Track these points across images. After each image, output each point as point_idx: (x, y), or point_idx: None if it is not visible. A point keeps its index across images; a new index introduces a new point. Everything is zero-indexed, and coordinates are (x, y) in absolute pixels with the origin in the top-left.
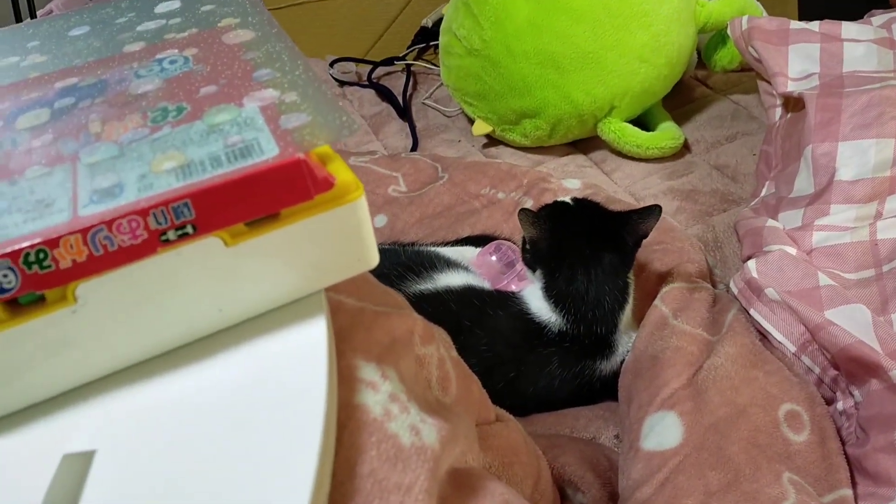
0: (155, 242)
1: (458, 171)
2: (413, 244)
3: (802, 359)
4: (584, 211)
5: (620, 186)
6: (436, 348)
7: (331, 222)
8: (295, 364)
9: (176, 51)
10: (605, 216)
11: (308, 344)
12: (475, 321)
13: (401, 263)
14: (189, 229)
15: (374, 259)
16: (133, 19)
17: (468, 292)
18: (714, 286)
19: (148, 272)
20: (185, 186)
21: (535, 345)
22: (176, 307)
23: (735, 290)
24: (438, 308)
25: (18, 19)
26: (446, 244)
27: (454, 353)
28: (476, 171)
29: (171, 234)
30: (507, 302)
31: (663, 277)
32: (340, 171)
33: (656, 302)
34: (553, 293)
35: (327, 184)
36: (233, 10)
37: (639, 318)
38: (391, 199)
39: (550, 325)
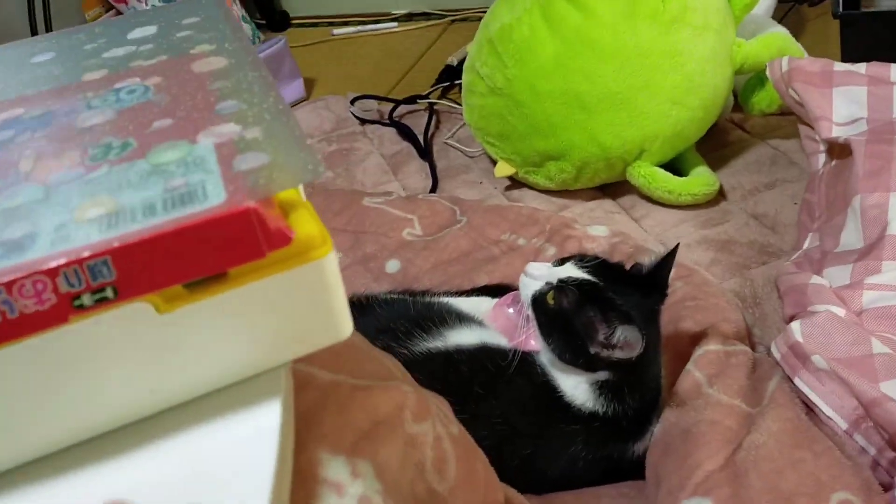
0: (66, 309)
1: (477, 215)
2: (426, 292)
3: (855, 437)
4: (610, 278)
5: (650, 234)
6: (432, 425)
7: (289, 284)
8: (235, 464)
9: (138, 79)
10: (634, 281)
11: (254, 437)
12: (488, 387)
13: (408, 317)
14: (109, 293)
15: (347, 328)
16: (102, 45)
17: (482, 353)
18: (753, 348)
19: (58, 345)
20: (106, 240)
21: (556, 419)
22: (94, 388)
23: (777, 356)
24: (447, 370)
25: (34, 34)
26: (461, 294)
27: (455, 427)
28: (496, 214)
29: (87, 299)
30: (527, 367)
31: (697, 338)
32: (304, 223)
33: (689, 366)
34: (596, 382)
35: (283, 238)
36: (209, 37)
37: (669, 383)
38: (405, 243)
39: (579, 402)
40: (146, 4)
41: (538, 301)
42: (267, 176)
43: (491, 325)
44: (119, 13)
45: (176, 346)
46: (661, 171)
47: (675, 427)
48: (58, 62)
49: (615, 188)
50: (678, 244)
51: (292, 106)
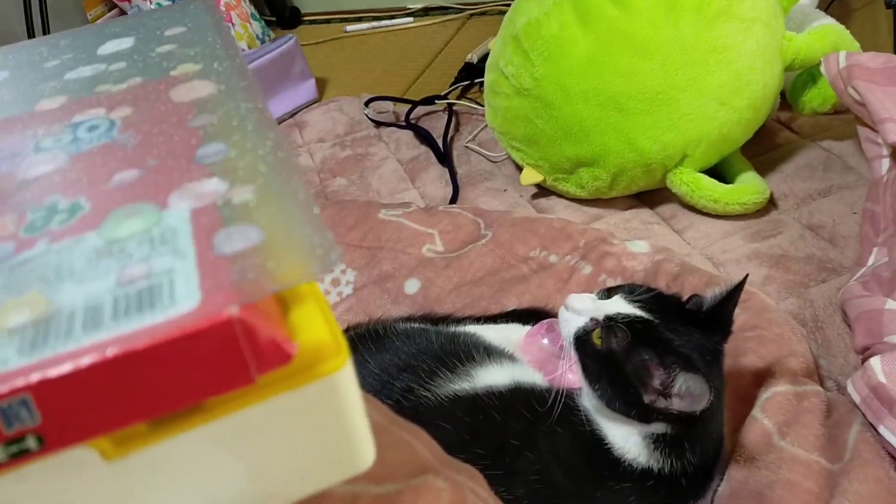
0: None
1: (504, 229)
2: (449, 318)
3: None
4: (666, 314)
5: (695, 248)
6: None
7: (292, 408)
8: None
9: (103, 110)
10: (693, 318)
11: None
12: (524, 438)
13: (431, 353)
14: (30, 443)
15: (368, 457)
16: (66, 63)
17: (516, 396)
18: (821, 383)
19: None
20: (28, 367)
21: (604, 477)
22: None
23: (856, 398)
24: (477, 417)
25: (31, 36)
26: (488, 319)
27: None
28: (524, 228)
29: (0, 453)
30: (569, 414)
31: (761, 377)
32: (310, 324)
33: (755, 412)
34: (651, 435)
35: (280, 355)
36: (196, 53)
37: (731, 428)
38: (426, 261)
39: (630, 456)
40: (151, 4)
41: (582, 341)
42: (259, 265)
43: (523, 357)
44: (123, 13)
45: (132, 498)
46: (706, 177)
47: (745, 488)
48: (10, 84)
49: (653, 196)
50: (747, 276)
51: (304, 108)
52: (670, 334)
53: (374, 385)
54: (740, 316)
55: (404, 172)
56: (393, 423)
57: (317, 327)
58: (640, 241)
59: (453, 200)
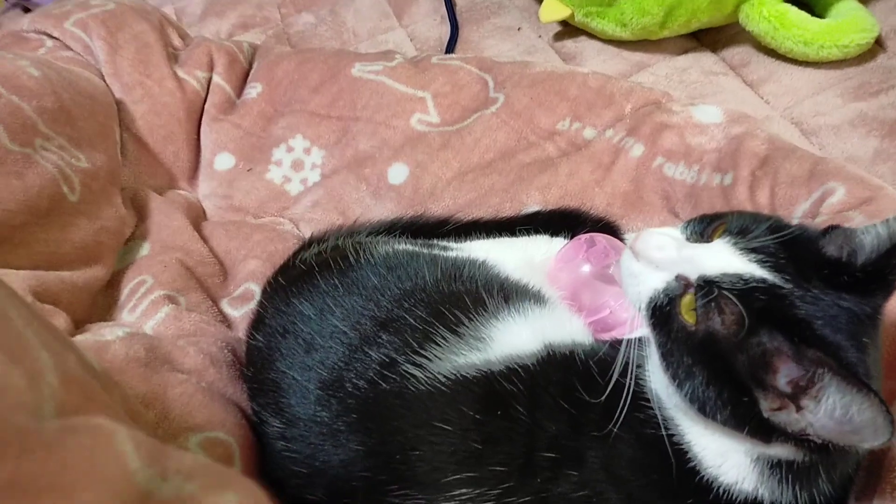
0: None
1: (521, 90)
2: (447, 223)
3: None
4: (800, 268)
5: (775, 109)
6: None
7: None
8: None
9: None
10: (840, 272)
11: None
12: (565, 448)
13: (424, 299)
14: None
15: None
16: None
17: (551, 376)
18: None
19: None
20: None
21: None
22: None
23: None
24: (492, 413)
25: None
26: (500, 227)
27: None
28: (548, 89)
29: None
30: (634, 410)
31: None
32: None
33: None
34: (768, 460)
35: None
36: None
37: None
38: (416, 137)
39: (727, 480)
40: None
41: (662, 311)
42: None
43: (553, 291)
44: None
45: None
46: (794, 9)
47: None
48: None
49: (717, 36)
50: None
51: None
52: (811, 308)
53: (338, 355)
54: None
55: (387, 5)
56: None
57: None
58: (708, 107)
59: (451, 45)
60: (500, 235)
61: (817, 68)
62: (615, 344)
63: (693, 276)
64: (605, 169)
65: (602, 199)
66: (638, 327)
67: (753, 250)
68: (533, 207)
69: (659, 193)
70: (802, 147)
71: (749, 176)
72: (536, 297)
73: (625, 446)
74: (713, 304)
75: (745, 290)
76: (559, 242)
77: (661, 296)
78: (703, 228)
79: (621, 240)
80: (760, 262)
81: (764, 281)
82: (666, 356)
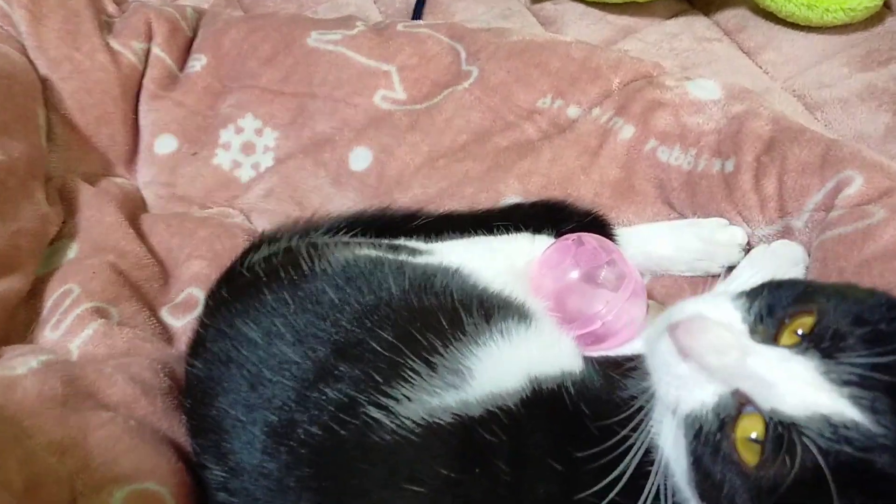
0: None
1: (497, 63)
2: (415, 217)
3: None
4: None
5: (776, 80)
6: None
7: None
8: None
9: None
10: None
11: None
12: None
13: (391, 319)
14: None
15: None
16: None
17: (537, 422)
18: None
19: None
20: None
21: None
22: None
23: None
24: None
25: None
26: (476, 221)
27: None
28: (527, 61)
29: None
30: (641, 481)
31: None
32: None
33: None
34: None
35: None
36: None
37: None
38: (380, 116)
39: None
40: None
41: (707, 432)
42: None
43: (537, 299)
44: None
45: None
46: None
47: None
48: None
49: None
50: None
51: None
52: None
53: (289, 392)
54: (890, 225)
55: None
56: None
57: None
58: (705, 81)
59: (419, 8)
60: (477, 234)
61: (820, 33)
62: (609, 369)
63: (758, 397)
64: (592, 154)
65: (589, 189)
66: (631, 338)
67: (847, 381)
68: (512, 198)
69: (652, 181)
70: (808, 125)
71: (753, 162)
72: (520, 313)
73: None
74: (787, 454)
75: (833, 439)
76: (543, 241)
77: (710, 415)
78: (777, 316)
79: (612, 237)
80: (854, 399)
81: (857, 427)
82: (702, 480)
